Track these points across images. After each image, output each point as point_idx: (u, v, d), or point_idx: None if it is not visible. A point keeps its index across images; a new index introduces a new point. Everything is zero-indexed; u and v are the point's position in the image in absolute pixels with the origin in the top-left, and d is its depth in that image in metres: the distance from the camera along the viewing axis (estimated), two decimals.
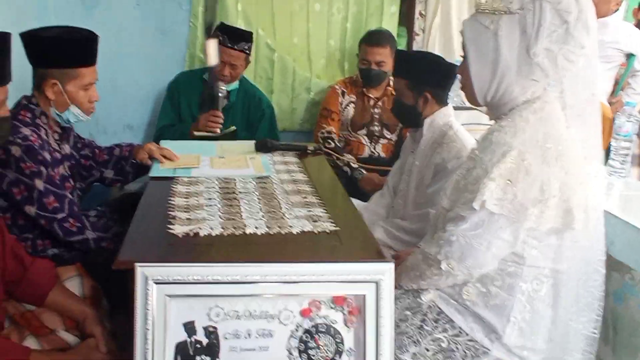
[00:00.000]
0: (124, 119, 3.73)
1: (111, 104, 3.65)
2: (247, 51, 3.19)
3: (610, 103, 3.97)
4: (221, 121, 3.04)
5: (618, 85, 4.17)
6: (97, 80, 2.18)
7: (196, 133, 3.03)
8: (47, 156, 2.04)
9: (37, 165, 2.00)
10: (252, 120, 3.33)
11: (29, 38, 2.06)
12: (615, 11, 3.94)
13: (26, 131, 2.00)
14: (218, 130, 3.03)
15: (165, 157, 2.35)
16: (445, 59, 2.44)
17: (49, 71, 2.06)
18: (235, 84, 3.26)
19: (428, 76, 2.28)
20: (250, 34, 3.25)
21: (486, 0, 1.57)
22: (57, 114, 2.12)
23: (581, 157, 1.55)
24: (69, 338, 1.76)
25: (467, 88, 1.66)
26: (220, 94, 3.10)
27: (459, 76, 1.74)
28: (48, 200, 2.02)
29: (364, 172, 3.21)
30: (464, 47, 1.63)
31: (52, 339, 1.73)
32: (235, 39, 3.13)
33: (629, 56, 3.99)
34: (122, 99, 3.67)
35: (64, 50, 2.06)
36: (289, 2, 3.72)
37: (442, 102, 2.31)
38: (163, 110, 3.39)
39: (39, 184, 2.00)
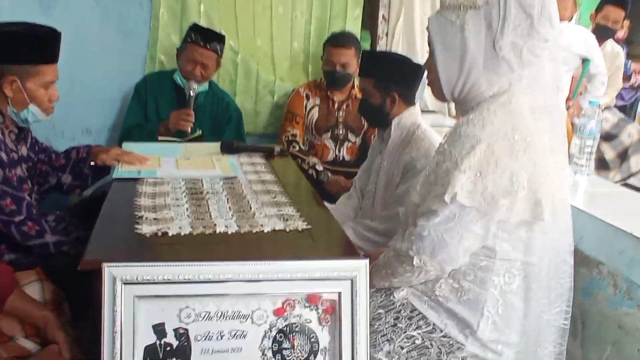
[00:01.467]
0: (83, 122, 3.62)
1: (69, 107, 3.52)
2: (219, 52, 3.18)
3: (567, 107, 4.06)
4: (192, 120, 3.00)
5: (575, 89, 4.27)
6: (57, 78, 2.11)
7: (161, 138, 2.97)
8: (4, 156, 1.97)
9: None
10: (219, 123, 3.30)
11: None
12: (571, 19, 4.05)
13: None
14: (189, 129, 2.99)
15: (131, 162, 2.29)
16: None
17: (8, 67, 1.99)
18: (204, 86, 3.23)
19: (395, 75, 2.27)
20: (223, 36, 3.24)
21: None
22: (15, 113, 2.04)
23: (547, 149, 1.55)
24: (29, 345, 1.70)
25: (435, 84, 1.65)
26: (192, 93, 3.07)
27: (425, 73, 1.73)
28: (4, 203, 1.94)
29: (330, 174, 3.20)
30: (430, 43, 1.62)
31: (11, 346, 1.67)
32: (208, 38, 3.12)
33: (584, 61, 4.10)
34: (80, 101, 3.56)
35: (25, 46, 1.99)
36: (252, 4, 3.67)
37: (410, 101, 2.31)
38: (130, 111, 3.32)
39: None
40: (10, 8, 3.35)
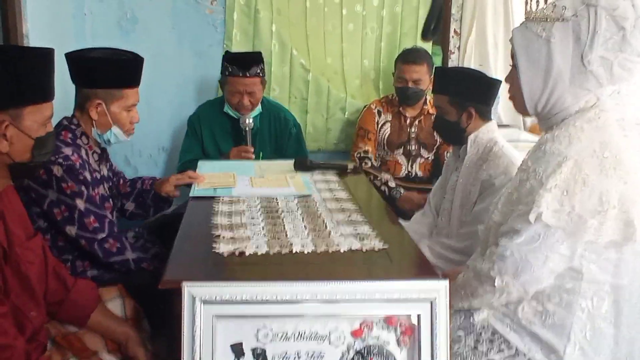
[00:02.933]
0: (159, 141, 3.74)
1: (147, 127, 3.63)
2: (262, 74, 3.08)
3: None
4: (252, 155, 2.97)
5: None
6: (139, 102, 2.19)
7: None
8: (88, 176, 2.05)
9: (78, 185, 2.00)
10: (280, 141, 3.28)
11: (76, 58, 2.08)
12: None
13: (67, 151, 2.01)
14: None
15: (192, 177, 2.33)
16: None
17: (94, 91, 2.07)
18: (257, 109, 3.15)
19: (471, 91, 2.24)
20: (259, 53, 3.16)
21: (537, 8, 1.53)
22: (98, 135, 2.12)
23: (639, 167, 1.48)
24: None
25: (517, 98, 1.61)
26: (247, 128, 3.02)
27: (504, 87, 1.69)
28: (88, 220, 2.02)
29: (402, 191, 3.16)
30: (513, 56, 1.58)
31: None
32: (245, 66, 3.01)
33: None
34: (157, 121, 3.69)
35: (110, 71, 2.08)
36: (323, 22, 3.71)
37: (486, 117, 2.26)
38: (185, 146, 3.29)
39: (80, 203, 2.00)
40: (92, 32, 3.50)
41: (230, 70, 3.02)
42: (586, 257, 1.48)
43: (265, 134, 3.24)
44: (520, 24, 1.58)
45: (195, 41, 3.59)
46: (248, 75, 3.00)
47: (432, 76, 3.38)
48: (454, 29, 3.76)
